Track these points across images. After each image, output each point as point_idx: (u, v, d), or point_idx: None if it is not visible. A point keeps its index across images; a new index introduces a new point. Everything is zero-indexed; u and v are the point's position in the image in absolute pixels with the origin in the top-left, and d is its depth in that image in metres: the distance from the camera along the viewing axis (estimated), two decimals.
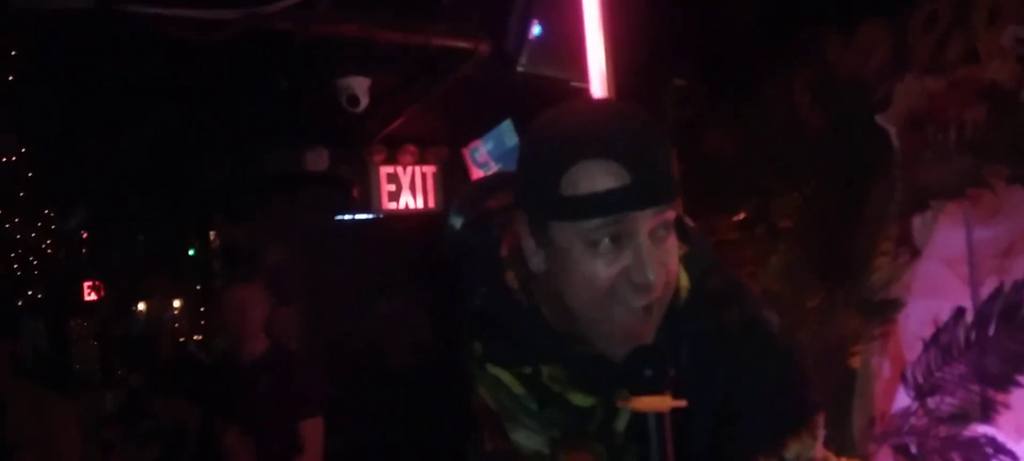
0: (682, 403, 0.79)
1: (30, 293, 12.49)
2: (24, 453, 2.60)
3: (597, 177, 0.82)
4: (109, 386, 8.78)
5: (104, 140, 3.85)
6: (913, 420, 2.13)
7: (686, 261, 0.92)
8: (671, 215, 0.85)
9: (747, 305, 0.94)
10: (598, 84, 1.89)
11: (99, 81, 3.02)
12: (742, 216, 2.99)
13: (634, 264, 0.83)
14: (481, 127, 3.64)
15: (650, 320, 0.86)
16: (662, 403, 0.79)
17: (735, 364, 0.90)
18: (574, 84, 2.79)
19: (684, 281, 0.92)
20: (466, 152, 3.84)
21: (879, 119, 2.15)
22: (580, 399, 0.91)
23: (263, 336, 2.80)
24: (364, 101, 2.96)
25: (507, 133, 3.42)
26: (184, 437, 4.09)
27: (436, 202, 4.15)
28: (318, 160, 3.83)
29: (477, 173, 3.91)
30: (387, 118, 3.62)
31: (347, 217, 4.20)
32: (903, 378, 2.20)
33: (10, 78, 3.54)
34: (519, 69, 2.60)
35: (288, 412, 2.70)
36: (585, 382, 0.91)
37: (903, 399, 2.18)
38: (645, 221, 0.83)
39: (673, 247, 0.87)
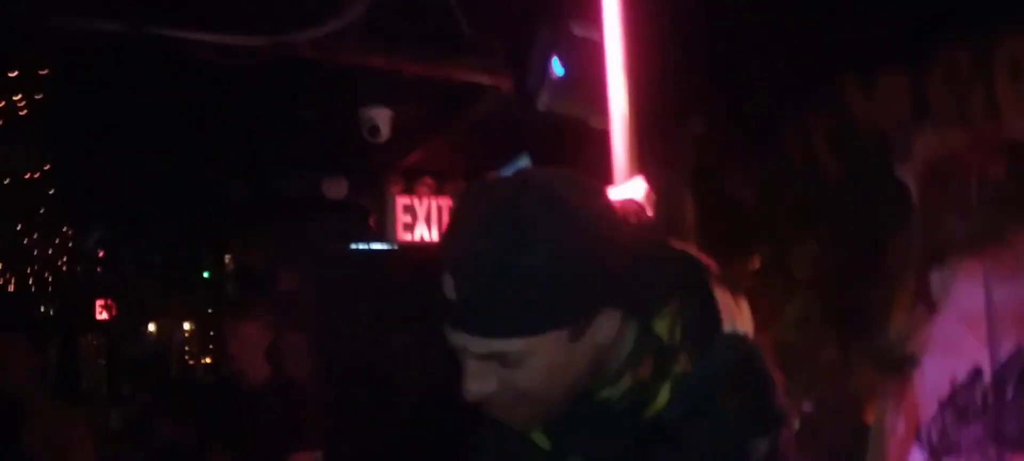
0: None
1: (43, 309, 12.58)
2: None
3: (445, 282, 0.78)
4: (115, 404, 8.79)
5: (126, 159, 3.91)
6: None
7: (681, 380, 0.82)
8: (515, 347, 0.78)
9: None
10: (618, 126, 1.90)
11: (125, 101, 3.07)
12: (758, 264, 2.98)
13: None
14: (499, 162, 3.66)
15: (511, 418, 0.84)
16: None
17: None
18: (593, 125, 2.81)
19: (661, 400, 0.82)
20: None
21: (898, 171, 2.14)
22: (539, 439, 0.88)
23: (265, 365, 2.80)
24: (385, 132, 2.99)
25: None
26: (178, 458, 4.08)
27: None
28: (336, 188, 3.86)
29: None
30: (406, 149, 3.65)
31: (362, 247, 4.22)
32: (918, 437, 2.15)
33: (39, 96, 3.61)
34: (539, 107, 2.62)
35: (283, 443, 2.67)
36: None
37: (917, 458, 2.13)
38: (469, 343, 0.79)
39: (535, 370, 0.79)
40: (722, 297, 0.88)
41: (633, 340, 0.84)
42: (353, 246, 4.18)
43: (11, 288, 10.40)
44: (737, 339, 0.86)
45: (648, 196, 1.87)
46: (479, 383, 0.80)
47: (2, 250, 7.75)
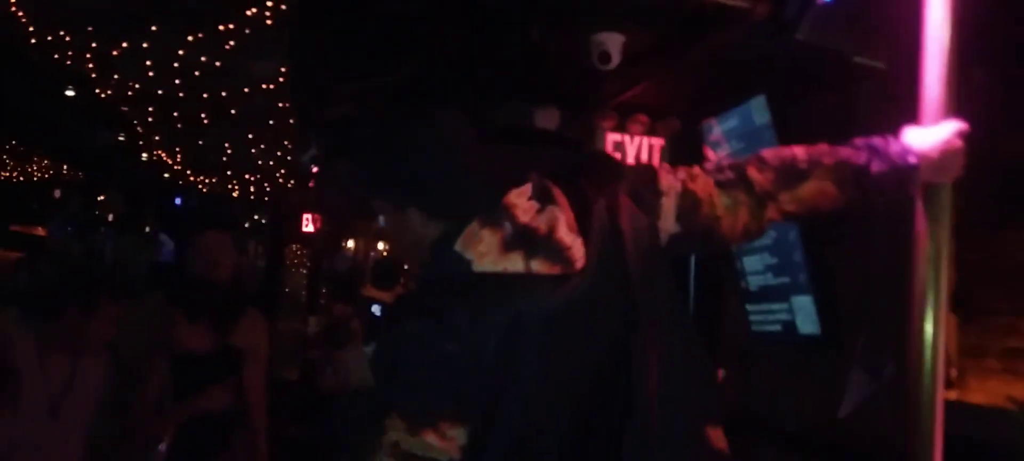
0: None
1: (256, 217, 13.77)
2: (250, 358, 2.77)
3: None
4: (313, 312, 9.49)
5: (353, 78, 4.01)
6: None
7: None
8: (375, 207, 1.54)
9: None
10: (934, 66, 1.60)
11: (360, 17, 3.11)
12: None
13: None
14: (726, 102, 3.38)
15: None
16: None
17: None
18: (857, 60, 2.48)
19: None
20: (702, 127, 3.61)
21: None
22: None
23: None
24: (616, 59, 2.82)
25: (757, 110, 3.14)
26: None
27: None
28: (548, 118, 3.76)
29: (709, 152, 3.67)
30: (629, 81, 3.47)
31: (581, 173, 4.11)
32: None
33: (283, 6, 3.78)
34: (798, 36, 2.34)
35: None
36: None
37: None
38: None
39: (389, 226, 1.53)
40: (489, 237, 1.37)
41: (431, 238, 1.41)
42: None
43: (235, 194, 11.49)
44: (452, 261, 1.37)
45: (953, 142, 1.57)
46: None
47: (233, 157, 8.49)
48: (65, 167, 13.39)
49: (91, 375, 2.52)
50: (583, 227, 1.38)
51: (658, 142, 3.91)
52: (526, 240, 1.35)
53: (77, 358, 2.49)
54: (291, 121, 6.71)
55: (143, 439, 2.64)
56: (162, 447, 2.65)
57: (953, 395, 2.72)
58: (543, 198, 1.40)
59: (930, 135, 1.56)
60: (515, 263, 1.33)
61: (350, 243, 12.17)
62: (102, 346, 2.52)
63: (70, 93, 7.23)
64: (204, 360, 2.69)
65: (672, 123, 3.88)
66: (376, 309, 1.96)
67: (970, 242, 2.61)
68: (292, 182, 9.76)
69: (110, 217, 12.60)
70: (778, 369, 3.53)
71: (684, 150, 3.86)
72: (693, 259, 4.22)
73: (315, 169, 8.92)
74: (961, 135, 1.57)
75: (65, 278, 2.48)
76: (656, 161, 3.91)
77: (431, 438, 1.27)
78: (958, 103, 1.61)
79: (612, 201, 1.44)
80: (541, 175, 1.45)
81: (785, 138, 3.07)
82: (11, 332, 2.38)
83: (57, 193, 13.33)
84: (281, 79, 5.27)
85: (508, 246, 1.34)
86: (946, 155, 1.53)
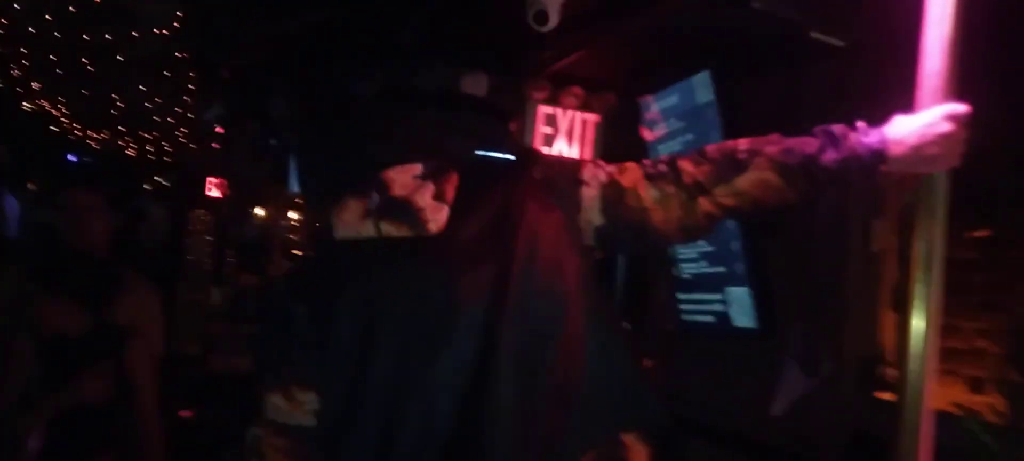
0: None
1: (157, 178, 12.95)
2: (134, 336, 2.41)
3: None
4: (218, 283, 8.95)
5: (255, 30, 3.61)
6: None
7: None
8: None
9: None
10: (935, 46, 1.39)
11: None
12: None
13: None
14: (667, 75, 3.16)
15: None
16: None
17: None
18: (813, 35, 2.29)
19: None
20: (640, 104, 3.38)
21: None
22: None
23: None
24: (554, 20, 2.55)
25: (700, 88, 2.93)
26: None
27: (593, 155, 3.71)
28: (476, 84, 3.45)
29: (645, 131, 3.45)
30: (563, 49, 3.20)
31: (491, 155, 3.83)
32: None
33: None
34: (754, 5, 2.12)
35: None
36: None
37: None
38: None
39: None
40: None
41: None
42: (482, 152, 3.80)
43: (131, 153, 10.71)
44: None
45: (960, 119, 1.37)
46: None
47: (126, 111, 7.83)
48: None
49: None
50: (457, 200, 1.38)
51: (592, 118, 3.67)
52: (385, 208, 1.37)
53: None
54: (190, 74, 6.17)
55: (8, 435, 2.24)
56: (32, 444, 2.25)
57: (891, 397, 2.60)
58: (431, 177, 1.42)
59: (914, 121, 1.38)
60: (368, 228, 1.35)
61: (259, 210, 11.56)
62: None
63: None
64: (76, 342, 2.29)
65: (608, 98, 3.65)
66: None
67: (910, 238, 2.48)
68: (194, 143, 9.15)
69: None
70: (709, 362, 3.38)
71: (620, 128, 3.64)
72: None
73: (220, 129, 8.35)
74: (957, 120, 1.37)
75: None
76: (590, 138, 3.67)
77: (278, 399, 1.29)
78: (957, 85, 1.41)
79: (514, 186, 1.43)
80: (444, 161, 1.47)
81: (729, 118, 2.88)
82: None
83: None
84: (176, 24, 4.77)
85: (368, 214, 1.37)
86: (933, 143, 1.38)
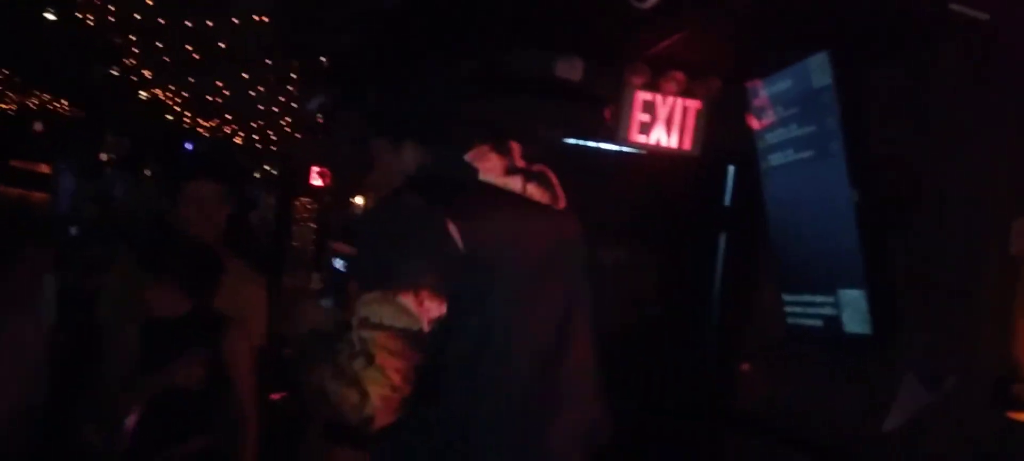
0: None
1: (266, 167, 13.41)
2: (232, 324, 2.41)
3: None
4: (318, 269, 9.16)
5: (351, 16, 3.58)
6: None
7: None
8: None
9: None
10: None
11: None
12: None
13: None
14: (775, 61, 2.92)
15: None
16: None
17: None
18: (954, 7, 2.02)
19: None
20: (748, 89, 3.15)
21: None
22: None
23: None
24: None
25: (816, 71, 2.68)
26: None
27: (693, 144, 3.50)
28: (571, 69, 3.31)
29: (753, 120, 3.21)
30: (664, 30, 3.01)
31: (582, 143, 3.68)
32: None
33: None
34: None
35: None
36: None
37: None
38: None
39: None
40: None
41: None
42: (574, 141, 3.65)
43: (239, 141, 11.13)
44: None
45: None
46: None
47: (232, 100, 8.09)
48: (64, 103, 13.06)
49: (16, 335, 2.16)
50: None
51: (694, 105, 3.46)
52: (523, 172, 1.60)
53: (1, 315, 2.12)
54: (293, 64, 6.29)
55: (108, 414, 2.28)
56: (128, 423, 2.28)
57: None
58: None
59: None
60: (515, 183, 1.56)
61: (359, 199, 11.79)
62: (27, 302, 2.15)
63: (50, 17, 6.88)
64: (175, 327, 2.31)
65: (712, 83, 3.43)
66: (339, 264, 1.65)
67: None
68: (300, 133, 9.39)
69: (105, 158, 12.30)
70: (815, 371, 3.12)
71: (724, 115, 3.41)
72: (722, 240, 3.80)
73: (322, 119, 8.52)
74: None
75: None
76: (690, 127, 3.46)
77: (408, 300, 1.37)
78: None
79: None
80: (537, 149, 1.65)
81: (849, 104, 2.63)
82: None
83: (38, 126, 13.02)
84: (275, 11, 4.84)
85: (509, 171, 1.57)
86: None
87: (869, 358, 2.80)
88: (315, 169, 10.40)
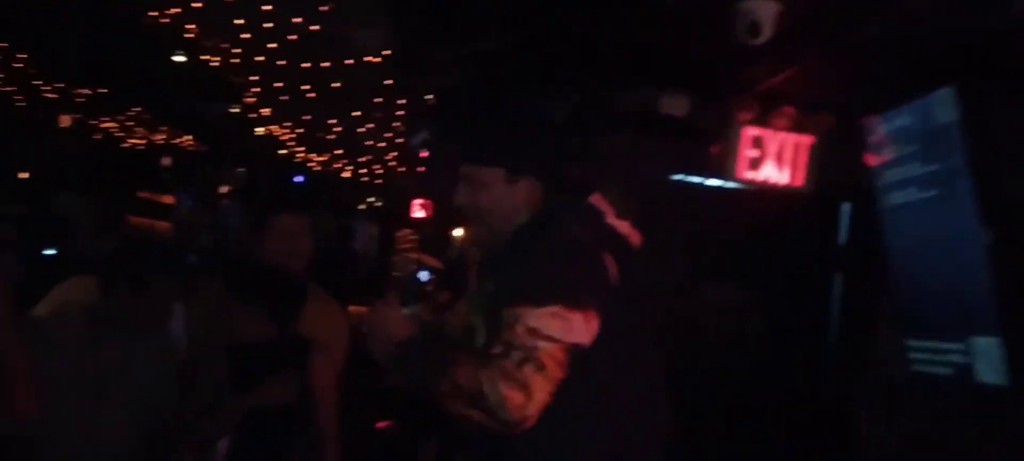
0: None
1: (371, 200, 13.83)
2: (316, 348, 2.46)
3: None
4: (418, 300, 9.31)
5: (453, 50, 3.66)
6: None
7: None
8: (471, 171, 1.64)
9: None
10: None
11: None
12: None
13: None
14: (895, 93, 2.78)
15: (475, 232, 1.74)
16: None
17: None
18: None
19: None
20: (865, 125, 3.01)
21: None
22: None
23: None
24: (768, 32, 2.32)
25: (941, 106, 2.53)
26: None
27: (805, 181, 3.38)
28: (676, 105, 3.26)
29: (870, 156, 3.07)
30: (776, 64, 2.93)
31: (688, 179, 3.61)
32: None
33: None
34: (1019, 10, 1.76)
35: None
36: None
37: None
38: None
39: (486, 194, 1.63)
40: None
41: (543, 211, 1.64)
42: (680, 177, 3.58)
43: (345, 174, 11.55)
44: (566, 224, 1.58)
45: None
46: (458, 197, 1.68)
47: (342, 136, 8.40)
48: (187, 137, 13.92)
49: (143, 359, 2.26)
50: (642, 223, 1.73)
51: (806, 141, 3.34)
52: (630, 215, 1.67)
53: (130, 340, 2.23)
54: (400, 101, 6.48)
55: (201, 436, 2.37)
56: (222, 446, 2.36)
57: None
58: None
59: None
60: (624, 227, 1.66)
61: (458, 231, 11.98)
62: (155, 329, 2.25)
63: (180, 59, 7.35)
64: (262, 351, 2.39)
65: (825, 118, 3.31)
66: (424, 275, 1.70)
67: None
68: (403, 167, 9.65)
69: (223, 189, 12.95)
70: (942, 420, 2.91)
71: (838, 152, 3.28)
72: (837, 280, 3.63)
73: (425, 154, 8.73)
74: None
75: (119, 254, 2.23)
76: (802, 163, 3.34)
77: (579, 319, 1.48)
78: None
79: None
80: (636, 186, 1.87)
81: (977, 142, 2.47)
82: (72, 303, 2.15)
83: (166, 160, 13.88)
84: (386, 52, 5.01)
85: (619, 215, 1.65)
86: None
87: (1005, 410, 2.59)
88: (417, 202, 10.64)
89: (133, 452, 2.29)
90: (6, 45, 8.65)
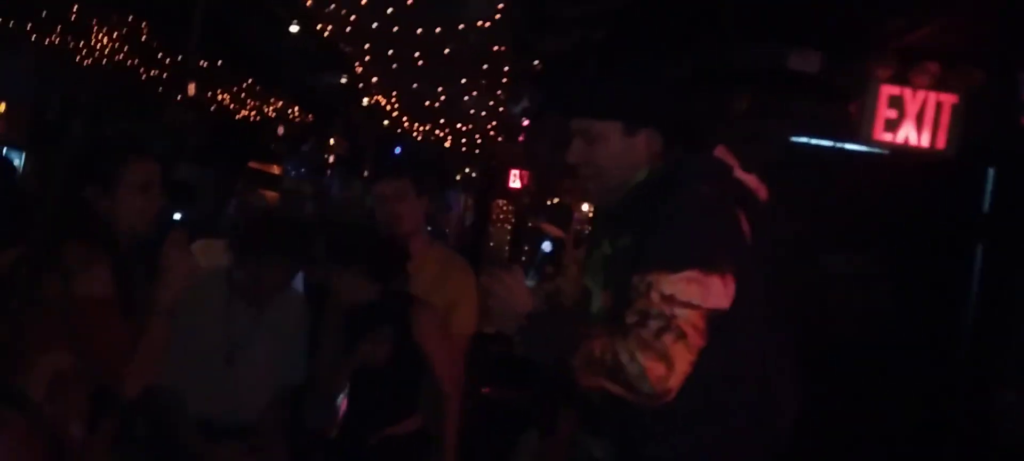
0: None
1: (467, 170, 13.94)
2: (421, 305, 2.49)
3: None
4: (542, 271, 9.34)
5: (571, 8, 3.60)
6: None
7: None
8: (589, 125, 1.55)
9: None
10: None
11: None
12: None
13: None
14: None
15: (588, 188, 1.67)
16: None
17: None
18: None
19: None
20: (1019, 81, 2.79)
21: None
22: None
23: None
24: None
25: None
26: None
27: (947, 144, 3.15)
28: (807, 61, 3.10)
29: (1021, 117, 2.84)
30: (917, 17, 2.73)
31: (818, 142, 3.43)
32: None
33: None
34: None
35: None
36: None
37: None
38: (571, 121, 1.59)
39: (603, 149, 1.55)
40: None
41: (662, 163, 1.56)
42: (808, 139, 3.41)
43: (447, 145, 11.68)
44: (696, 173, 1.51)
45: None
46: (572, 154, 1.58)
47: (446, 105, 8.47)
48: (296, 108, 14.38)
49: (272, 323, 2.36)
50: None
51: (949, 99, 3.12)
52: (758, 169, 1.60)
53: (260, 308, 2.33)
54: (505, 68, 6.45)
55: (322, 395, 2.44)
56: (340, 401, 2.43)
57: None
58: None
59: None
60: (752, 180, 1.57)
61: (555, 200, 11.95)
62: (281, 293, 2.35)
63: (294, 29, 7.55)
64: (366, 311, 2.43)
65: (971, 74, 3.07)
66: (547, 245, 1.66)
67: None
68: (502, 137, 9.65)
69: (329, 159, 13.35)
70: None
71: (986, 111, 3.04)
72: (978, 251, 3.40)
73: (525, 122, 8.69)
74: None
75: (247, 225, 2.33)
76: (945, 124, 3.12)
77: (717, 283, 1.41)
78: None
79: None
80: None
81: None
82: (202, 270, 2.25)
83: (280, 130, 14.37)
84: (498, 16, 4.99)
85: (743, 168, 1.56)
86: None
87: None
88: (514, 172, 10.65)
89: (264, 412, 2.39)
90: (131, 17, 9.13)
